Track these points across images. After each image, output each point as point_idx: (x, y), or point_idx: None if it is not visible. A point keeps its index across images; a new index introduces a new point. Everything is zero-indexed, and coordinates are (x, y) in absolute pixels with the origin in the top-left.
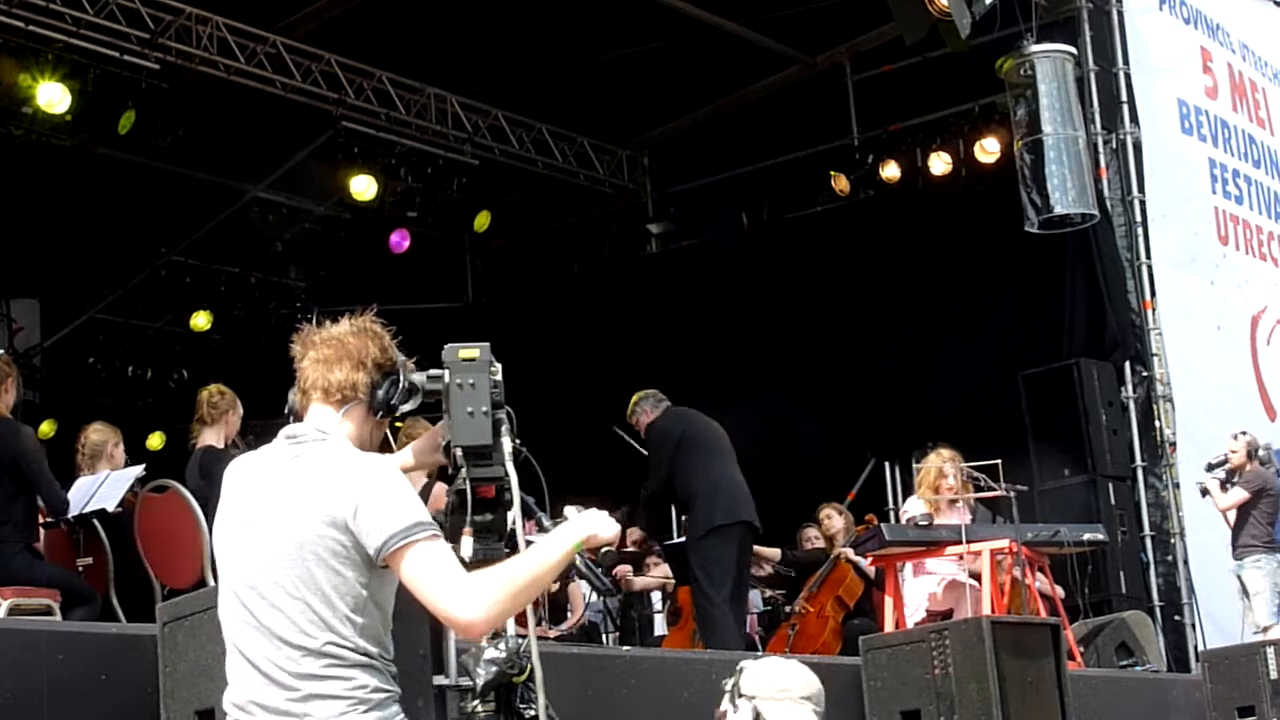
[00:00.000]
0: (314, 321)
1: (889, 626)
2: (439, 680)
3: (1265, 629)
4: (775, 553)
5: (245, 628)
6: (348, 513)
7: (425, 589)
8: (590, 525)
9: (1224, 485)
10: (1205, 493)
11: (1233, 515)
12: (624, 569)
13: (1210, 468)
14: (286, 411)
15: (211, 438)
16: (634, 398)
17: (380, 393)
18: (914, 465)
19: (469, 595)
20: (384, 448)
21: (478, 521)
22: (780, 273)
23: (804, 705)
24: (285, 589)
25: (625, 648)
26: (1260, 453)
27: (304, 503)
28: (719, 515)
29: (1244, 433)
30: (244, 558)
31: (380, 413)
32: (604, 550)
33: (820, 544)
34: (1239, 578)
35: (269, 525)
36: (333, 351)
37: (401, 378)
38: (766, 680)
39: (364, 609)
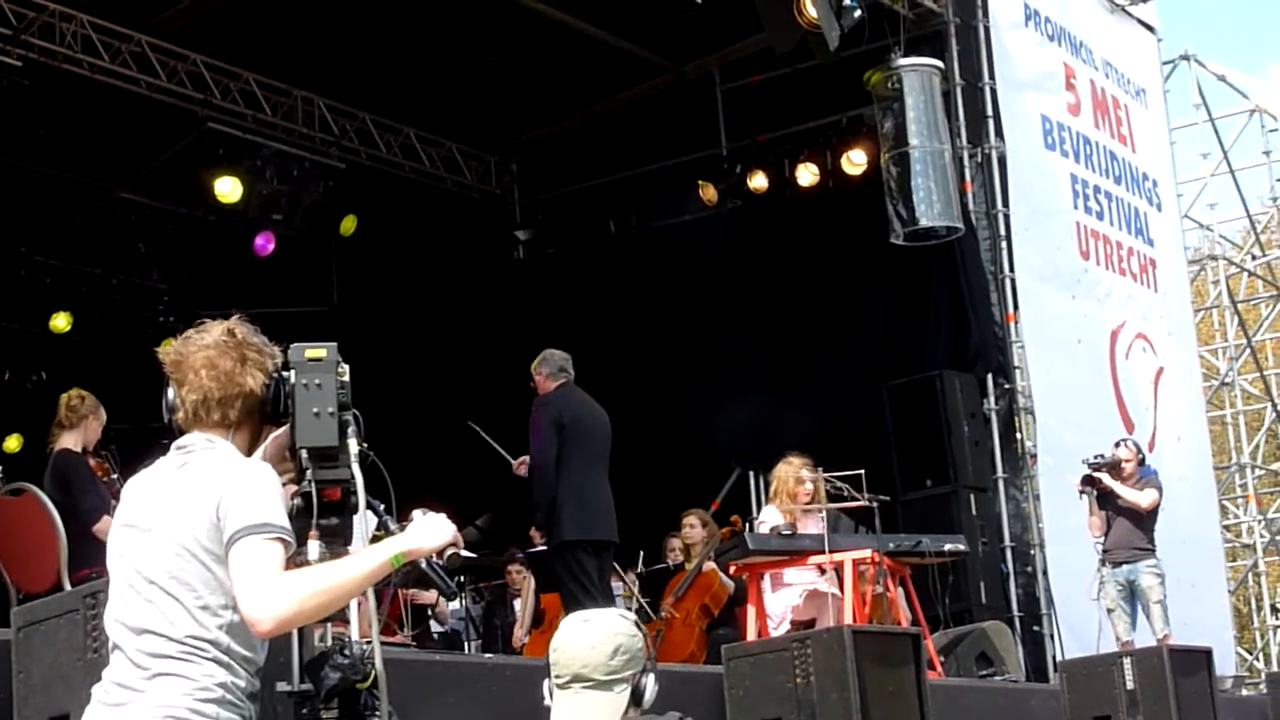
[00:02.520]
0: (176, 325)
1: (751, 636)
2: (281, 686)
3: (1125, 643)
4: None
5: (120, 626)
6: (216, 508)
7: (235, 583)
8: (414, 537)
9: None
10: (1091, 489)
11: (1116, 521)
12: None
13: (1094, 467)
14: (167, 421)
15: (69, 441)
16: (543, 354)
17: (268, 400)
18: (770, 476)
19: (263, 594)
20: None
21: (323, 525)
22: (647, 281)
23: (570, 690)
24: (160, 585)
25: (487, 655)
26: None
27: (184, 504)
28: (576, 528)
29: (1127, 439)
30: (129, 559)
31: (269, 420)
32: (450, 553)
33: (682, 554)
34: (1128, 584)
35: (153, 528)
36: (216, 359)
37: (286, 383)
38: (553, 659)
39: (235, 605)
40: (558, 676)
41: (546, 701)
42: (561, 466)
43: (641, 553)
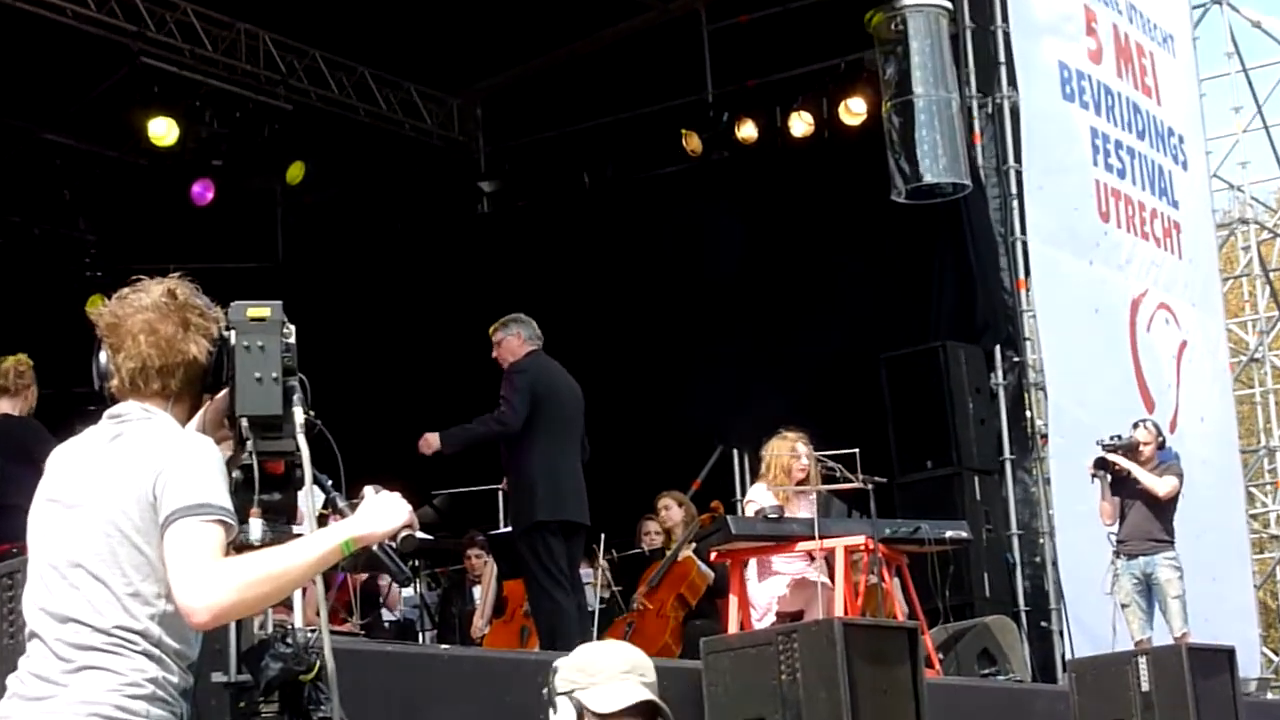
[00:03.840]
0: (105, 280)
1: (733, 628)
2: (217, 677)
3: (1139, 641)
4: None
5: (41, 613)
6: (152, 485)
7: (169, 569)
8: (367, 521)
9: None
10: (1105, 473)
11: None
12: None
13: (1110, 449)
14: (98, 388)
15: (9, 408)
16: (508, 318)
17: (212, 370)
18: (760, 452)
19: (199, 582)
20: None
21: (265, 501)
22: (624, 240)
23: (626, 679)
24: (87, 569)
25: (443, 646)
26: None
27: (116, 480)
28: (545, 508)
29: (1146, 420)
30: (53, 540)
31: (211, 390)
32: (403, 535)
33: (659, 538)
34: (1144, 577)
35: (80, 505)
36: (156, 324)
37: (226, 344)
38: (581, 668)
39: (169, 594)
40: (609, 670)
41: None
42: (532, 441)
43: (602, 536)
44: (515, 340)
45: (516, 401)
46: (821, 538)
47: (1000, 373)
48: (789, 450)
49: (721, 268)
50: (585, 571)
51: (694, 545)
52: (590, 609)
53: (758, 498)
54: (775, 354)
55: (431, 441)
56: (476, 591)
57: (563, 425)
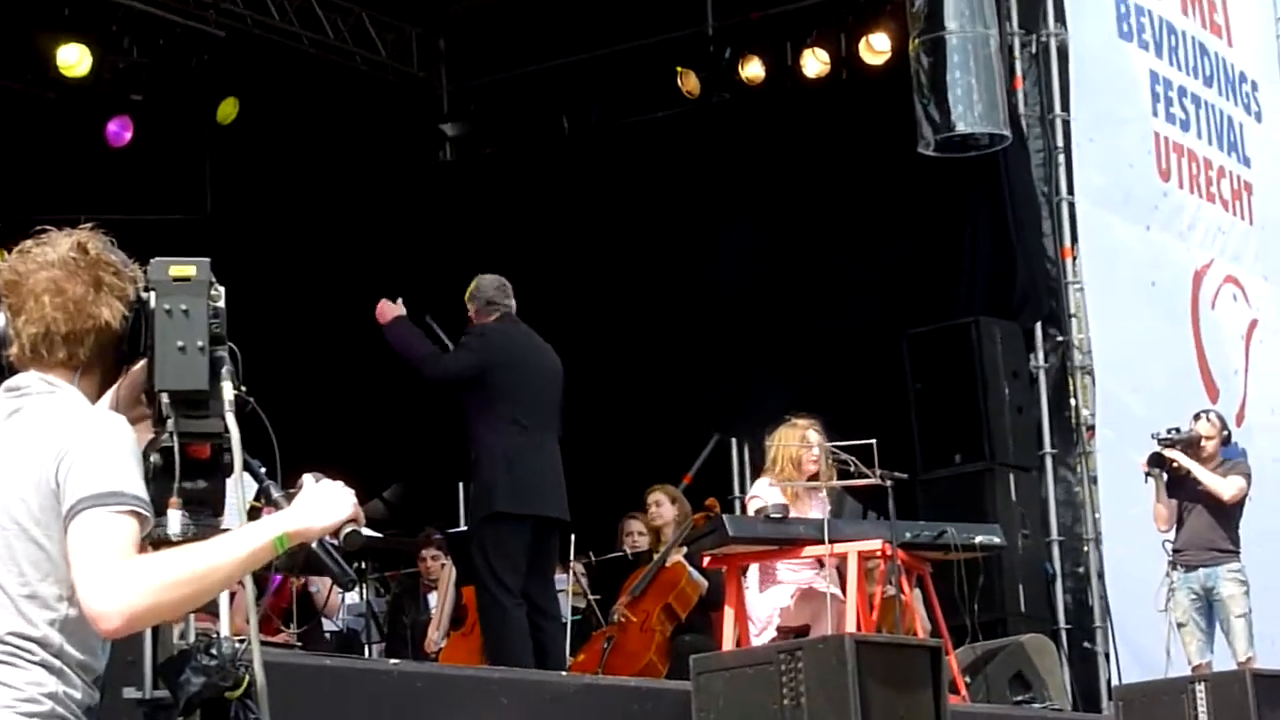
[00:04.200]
0: (7, 232)
1: (729, 644)
2: (129, 693)
3: (1197, 665)
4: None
5: None
6: (54, 470)
7: (73, 567)
8: (304, 513)
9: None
10: (1161, 471)
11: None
12: None
13: (1167, 444)
14: None
15: None
16: (475, 281)
17: (127, 337)
18: (766, 442)
19: (109, 583)
20: None
21: (187, 489)
22: (609, 194)
23: None
24: None
25: (393, 660)
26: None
27: (12, 463)
28: (506, 497)
29: (1209, 411)
30: None
31: (127, 360)
32: (347, 531)
33: (644, 540)
34: (1204, 593)
35: None
36: (63, 283)
37: (145, 307)
38: None
39: (73, 597)
40: None
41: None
42: (492, 418)
43: (572, 537)
44: (471, 311)
45: (456, 356)
46: (832, 541)
47: (1041, 354)
48: (798, 440)
49: (721, 229)
50: (558, 578)
51: (685, 549)
52: (563, 620)
53: (761, 494)
54: (782, 330)
55: (385, 312)
56: (432, 599)
57: (532, 403)
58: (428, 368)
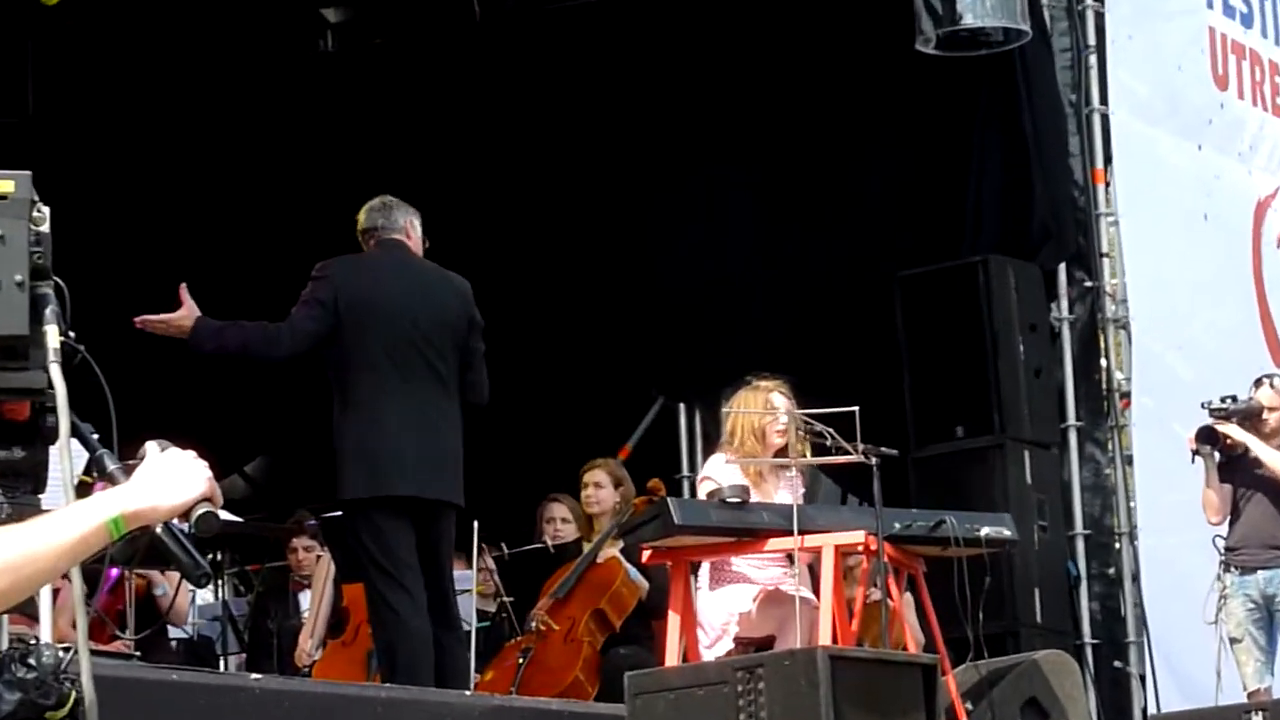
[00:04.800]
0: None
1: (673, 659)
2: None
3: (1254, 692)
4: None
5: None
6: None
7: None
8: (147, 489)
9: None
10: (1212, 449)
11: (1248, 503)
12: None
13: (1220, 415)
14: None
15: None
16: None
17: None
18: (724, 409)
19: None
20: None
21: (1, 459)
22: (528, 94)
23: None
24: None
25: (254, 675)
26: None
27: None
28: (365, 481)
29: (1274, 375)
30: None
31: None
32: (200, 513)
33: (570, 528)
34: (1264, 601)
35: None
36: None
37: None
38: None
39: None
40: None
41: None
42: (351, 380)
43: (475, 524)
44: (363, 239)
45: (299, 317)
46: (803, 533)
47: (1065, 303)
48: (762, 406)
49: (669, 141)
50: (459, 575)
51: (621, 541)
52: (466, 628)
53: (716, 474)
54: (743, 270)
55: (180, 323)
56: (305, 599)
57: (413, 354)
58: (267, 349)
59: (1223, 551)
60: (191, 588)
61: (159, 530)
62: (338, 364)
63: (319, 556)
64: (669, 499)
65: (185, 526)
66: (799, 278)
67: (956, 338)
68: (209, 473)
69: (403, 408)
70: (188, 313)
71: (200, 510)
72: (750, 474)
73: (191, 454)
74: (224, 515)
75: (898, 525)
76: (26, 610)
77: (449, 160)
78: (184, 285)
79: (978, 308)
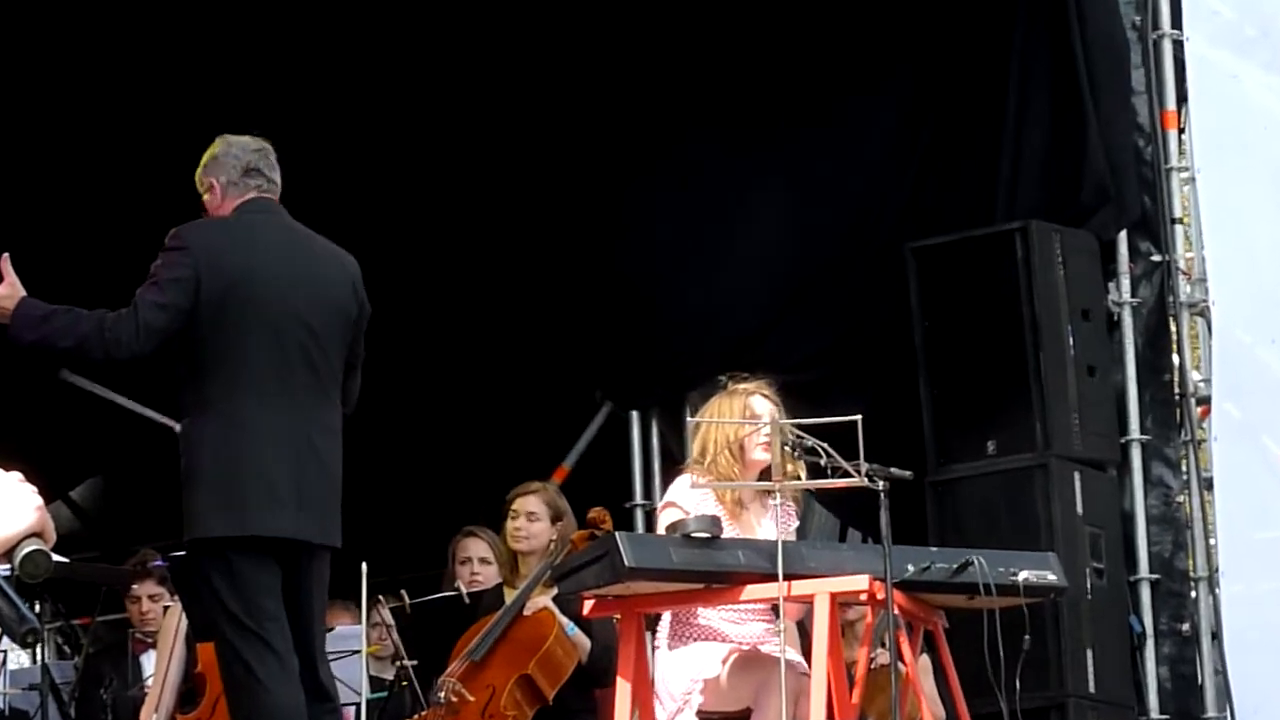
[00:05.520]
0: None
1: None
2: None
3: None
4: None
5: None
6: None
7: None
8: None
9: None
10: None
11: None
12: None
13: None
14: None
15: None
16: (217, 143)
17: None
18: (690, 418)
19: None
20: None
21: None
22: (433, 32)
23: None
24: None
25: None
26: None
27: None
28: (223, 515)
29: None
30: None
31: None
32: (28, 551)
33: (489, 570)
34: None
35: None
36: None
37: None
38: None
39: None
40: None
41: None
42: (207, 384)
43: (364, 567)
44: (214, 192)
45: (149, 303)
46: (791, 577)
47: (1127, 282)
48: (740, 413)
49: (612, 73)
50: (347, 630)
51: (555, 587)
52: (357, 699)
53: (679, 501)
54: (713, 241)
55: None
56: (148, 661)
57: (284, 352)
58: (106, 349)
59: None
60: (7, 647)
61: None
62: (192, 358)
63: (167, 608)
64: (618, 534)
65: (5, 568)
66: (786, 249)
67: (987, 327)
68: (39, 500)
69: (276, 420)
70: (9, 292)
71: (27, 549)
72: (724, 501)
73: (16, 476)
74: (54, 557)
75: (911, 567)
76: None
77: (333, 89)
78: (5, 256)
79: (1014, 288)
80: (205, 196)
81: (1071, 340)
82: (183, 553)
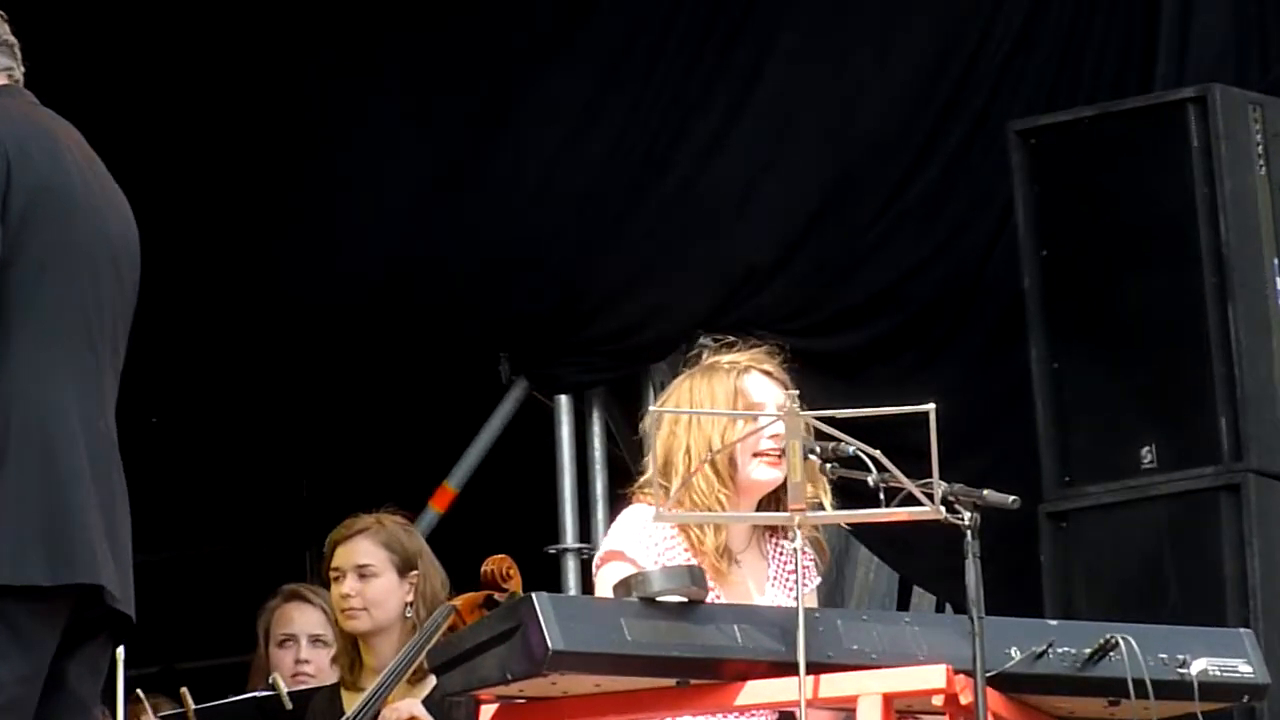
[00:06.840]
0: None
1: None
2: None
3: None
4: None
5: None
6: None
7: None
8: None
9: None
10: None
11: None
12: None
13: None
14: None
15: None
16: None
17: None
18: (649, 407)
19: None
20: None
21: None
22: None
23: None
24: None
25: None
26: None
27: None
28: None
29: None
30: None
31: None
32: None
33: (321, 660)
34: None
35: None
36: None
37: None
38: None
39: None
40: None
41: None
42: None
43: (119, 653)
44: None
45: None
46: (816, 669)
47: None
48: (731, 401)
49: None
50: None
51: (428, 682)
52: None
53: (633, 545)
54: (692, 139)
55: None
56: None
57: (95, 311)
58: None
59: None
60: None
61: None
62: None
63: None
64: (535, 596)
65: None
66: (809, 146)
67: (1139, 261)
68: None
69: (86, 411)
70: None
71: None
72: (702, 547)
73: None
74: None
75: (1017, 652)
76: None
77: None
78: None
79: (1185, 195)
80: None
81: (1278, 283)
82: None
